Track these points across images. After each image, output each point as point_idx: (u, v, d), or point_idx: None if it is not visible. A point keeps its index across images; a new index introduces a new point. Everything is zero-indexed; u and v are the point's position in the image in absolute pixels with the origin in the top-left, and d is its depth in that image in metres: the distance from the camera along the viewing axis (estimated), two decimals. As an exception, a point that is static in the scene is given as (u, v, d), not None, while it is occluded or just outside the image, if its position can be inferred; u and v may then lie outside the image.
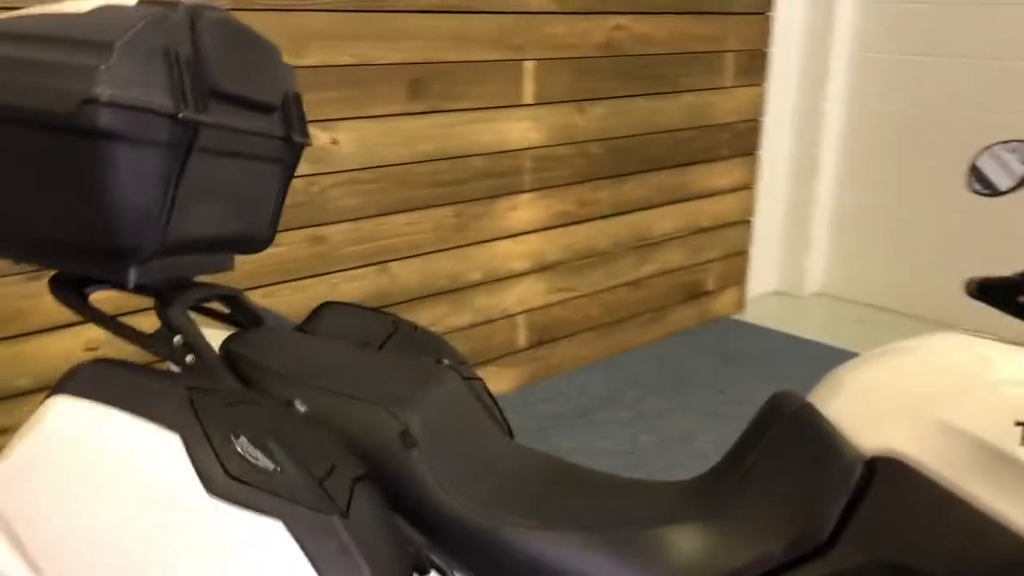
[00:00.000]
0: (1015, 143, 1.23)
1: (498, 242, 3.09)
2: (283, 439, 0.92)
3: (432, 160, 2.85)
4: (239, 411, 0.94)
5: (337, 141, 2.62)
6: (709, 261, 3.95)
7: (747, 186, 4.02)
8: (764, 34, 3.85)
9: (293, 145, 1.33)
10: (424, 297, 2.93)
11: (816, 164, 4.25)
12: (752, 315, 4.14)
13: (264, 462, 0.89)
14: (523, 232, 3.16)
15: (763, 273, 4.36)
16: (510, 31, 2.96)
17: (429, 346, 1.42)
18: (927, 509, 0.95)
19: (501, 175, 3.03)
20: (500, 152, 3.01)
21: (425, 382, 1.17)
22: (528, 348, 3.30)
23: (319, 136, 2.58)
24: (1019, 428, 0.94)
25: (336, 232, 2.69)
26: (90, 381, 0.98)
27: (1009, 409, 0.95)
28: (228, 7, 2.30)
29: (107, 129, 0.94)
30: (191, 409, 0.92)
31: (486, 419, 1.24)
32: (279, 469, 0.89)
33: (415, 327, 1.46)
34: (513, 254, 3.15)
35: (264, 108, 1.24)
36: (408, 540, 1.03)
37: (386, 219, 2.78)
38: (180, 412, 0.92)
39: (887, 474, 0.98)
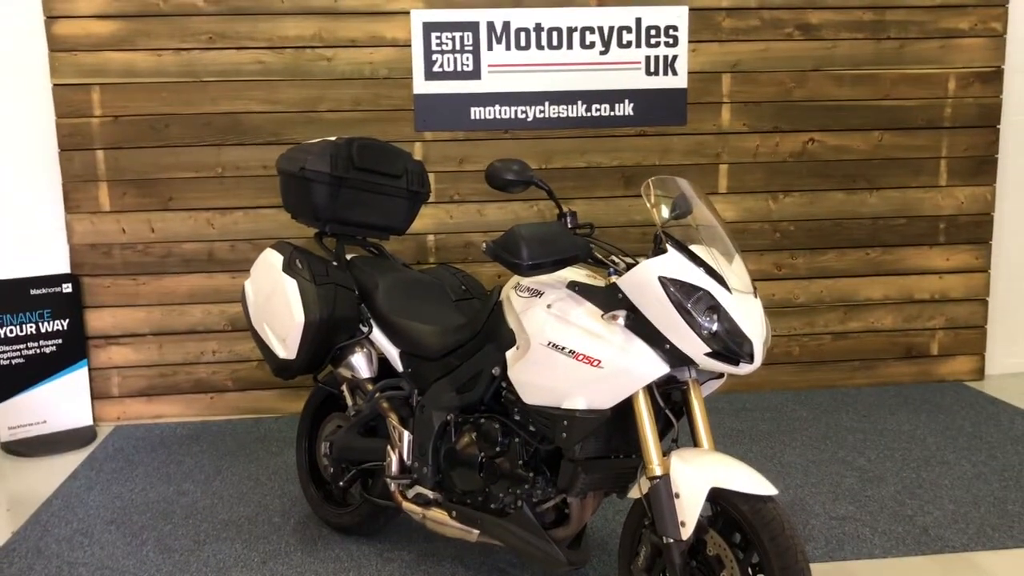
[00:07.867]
0: None
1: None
2: (312, 267, 2.90)
3: (643, 225, 4.49)
4: (305, 255, 2.95)
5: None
6: (929, 329, 4.72)
7: (980, 269, 4.71)
8: (989, 144, 4.61)
9: (413, 192, 3.29)
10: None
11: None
12: (992, 388, 4.71)
13: (300, 268, 2.89)
14: (721, 281, 4.56)
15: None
16: (707, 144, 4.48)
17: (469, 282, 3.24)
18: (501, 318, 2.54)
19: (698, 239, 4.52)
20: (697, 224, 4.49)
21: (408, 277, 3.04)
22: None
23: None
24: (515, 287, 2.50)
25: (571, 264, 4.48)
26: (275, 245, 3.08)
27: (515, 283, 2.52)
28: (502, 135, 4.33)
29: (306, 177, 3.03)
30: (290, 253, 2.96)
31: (429, 292, 3.04)
32: (303, 270, 2.89)
33: (463, 273, 3.28)
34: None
35: (393, 175, 3.23)
36: (361, 311, 2.93)
37: (606, 260, 4.50)
38: (286, 252, 2.97)
39: (497, 307, 2.59)
